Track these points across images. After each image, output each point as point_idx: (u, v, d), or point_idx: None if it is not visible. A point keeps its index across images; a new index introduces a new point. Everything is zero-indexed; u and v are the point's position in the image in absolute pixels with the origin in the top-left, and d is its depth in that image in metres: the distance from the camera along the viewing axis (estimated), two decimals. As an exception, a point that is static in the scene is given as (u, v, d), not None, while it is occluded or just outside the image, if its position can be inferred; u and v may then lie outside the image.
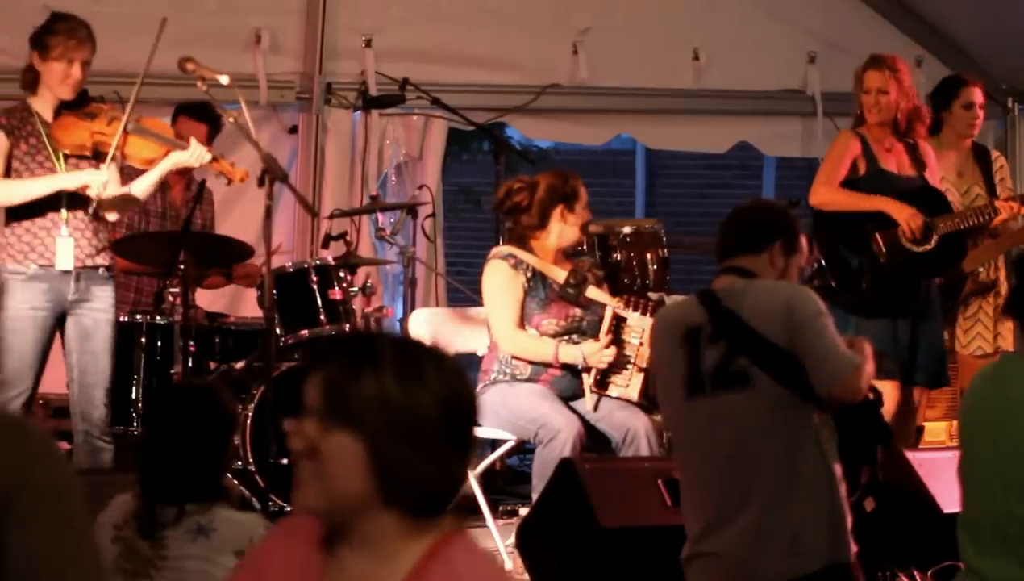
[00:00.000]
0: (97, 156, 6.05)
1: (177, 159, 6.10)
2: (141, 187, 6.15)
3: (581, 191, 6.38)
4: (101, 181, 5.96)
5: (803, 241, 4.46)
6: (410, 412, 2.22)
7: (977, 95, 7.28)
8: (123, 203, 6.17)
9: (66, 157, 6.04)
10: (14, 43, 7.30)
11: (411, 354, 2.28)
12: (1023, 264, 3.65)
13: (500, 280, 6.32)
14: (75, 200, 6.04)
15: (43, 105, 6.04)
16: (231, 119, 6.14)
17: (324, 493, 2.22)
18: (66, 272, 5.99)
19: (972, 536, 3.48)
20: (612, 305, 6.28)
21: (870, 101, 6.68)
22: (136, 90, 6.00)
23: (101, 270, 6.10)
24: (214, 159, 6.17)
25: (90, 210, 6.07)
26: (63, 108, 6.02)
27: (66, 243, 5.99)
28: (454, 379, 2.29)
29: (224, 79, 6.06)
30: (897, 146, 6.75)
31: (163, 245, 6.58)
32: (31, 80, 6.06)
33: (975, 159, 7.35)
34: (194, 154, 6.09)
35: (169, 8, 7.51)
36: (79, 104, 6.05)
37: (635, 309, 6.25)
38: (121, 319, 6.60)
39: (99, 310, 6.07)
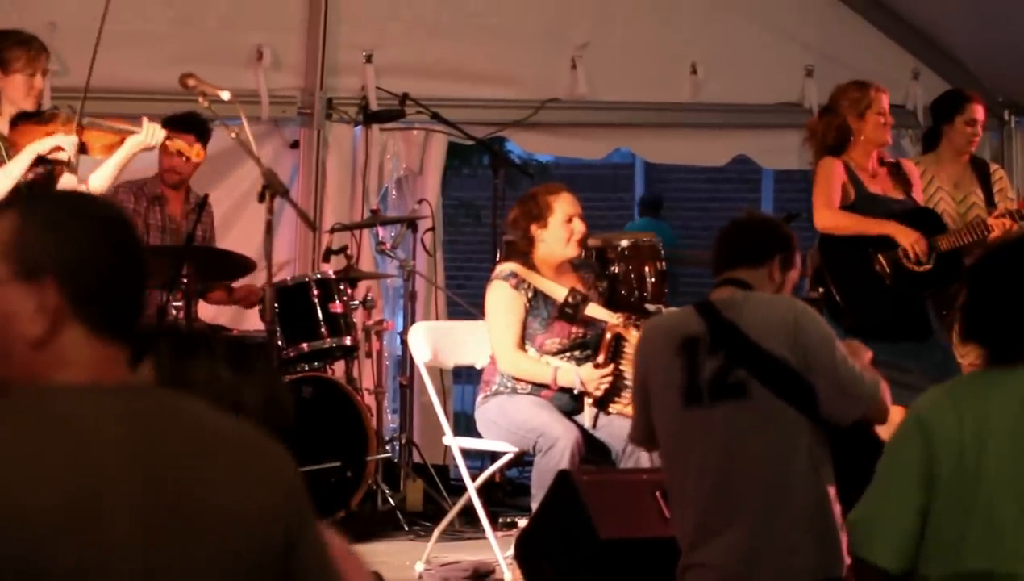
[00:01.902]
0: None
1: (134, 142, 6.17)
2: (100, 177, 6.21)
3: (554, 204, 6.39)
4: (72, 141, 6.03)
5: (798, 257, 4.51)
6: (235, 396, 2.34)
7: (980, 112, 7.32)
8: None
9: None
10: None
11: (243, 349, 2.43)
12: (975, 277, 3.34)
13: (501, 301, 6.36)
14: None
15: (1, 121, 6.10)
16: (233, 135, 6.19)
17: None
18: None
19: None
20: (612, 321, 6.32)
21: (886, 121, 6.74)
22: (83, 100, 6.06)
23: None
24: (168, 137, 6.25)
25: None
26: (19, 119, 6.09)
27: None
28: (279, 382, 2.47)
29: (225, 95, 6.12)
30: (880, 171, 6.81)
31: (166, 259, 6.62)
32: None
33: (973, 171, 7.39)
34: (148, 133, 6.15)
35: (171, 24, 7.59)
36: (34, 113, 6.13)
37: (636, 328, 6.29)
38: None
39: None
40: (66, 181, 6.15)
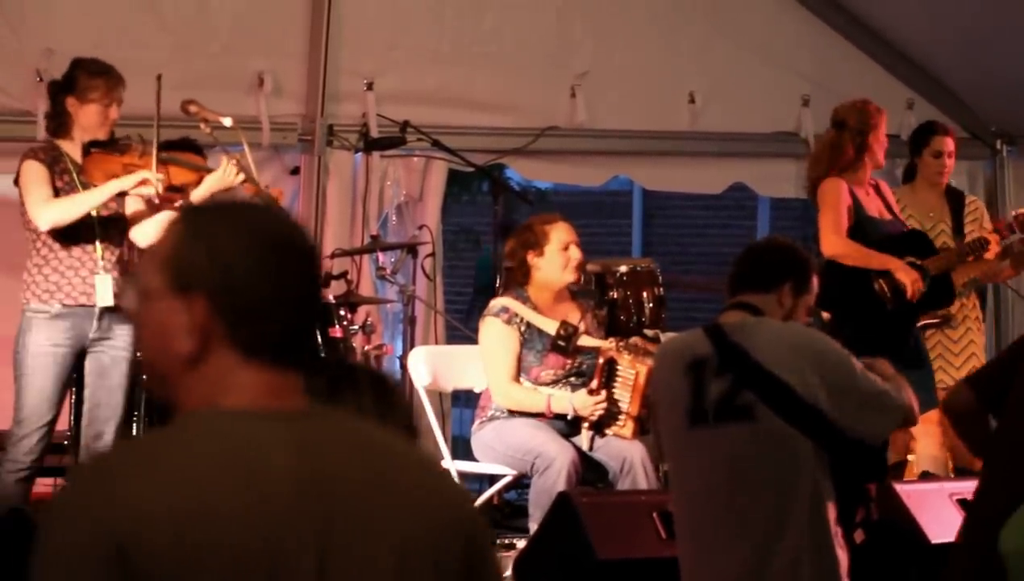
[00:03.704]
0: None
1: (213, 181, 6.19)
2: (197, 195, 6.23)
3: (551, 233, 6.50)
4: (159, 178, 6.04)
5: (814, 281, 4.52)
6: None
7: (947, 144, 7.44)
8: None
9: None
10: (15, 84, 7.41)
11: (384, 381, 2.44)
12: None
13: (494, 336, 6.44)
14: (109, 238, 6.13)
15: (72, 147, 6.13)
16: (234, 161, 6.24)
17: None
18: (90, 310, 6.07)
19: None
20: (604, 347, 6.38)
21: (886, 145, 6.89)
22: (156, 129, 6.11)
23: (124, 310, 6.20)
24: (246, 179, 6.28)
25: (124, 244, 6.18)
26: (92, 146, 6.11)
27: (105, 280, 6.08)
28: (412, 412, 2.47)
29: (227, 121, 6.17)
30: (871, 191, 6.93)
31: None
32: (63, 124, 6.14)
33: (947, 202, 7.52)
34: (228, 173, 6.18)
35: (172, 51, 7.63)
36: (108, 142, 6.15)
37: (628, 351, 6.36)
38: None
39: (119, 348, 6.16)
40: (156, 218, 6.17)
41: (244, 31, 7.85)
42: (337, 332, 6.99)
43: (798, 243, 4.67)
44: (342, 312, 7.07)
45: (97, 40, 7.30)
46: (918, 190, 7.46)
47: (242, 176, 6.22)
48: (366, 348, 7.35)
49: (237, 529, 1.75)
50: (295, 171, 8.05)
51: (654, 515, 5.38)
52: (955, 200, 7.55)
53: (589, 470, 6.33)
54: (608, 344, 6.41)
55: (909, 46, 8.98)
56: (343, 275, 7.30)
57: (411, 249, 7.61)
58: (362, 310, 7.41)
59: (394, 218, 8.28)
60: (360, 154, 8.07)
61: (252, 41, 7.86)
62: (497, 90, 8.31)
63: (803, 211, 14.01)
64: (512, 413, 6.41)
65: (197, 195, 6.18)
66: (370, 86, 8.02)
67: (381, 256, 7.60)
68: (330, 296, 7.17)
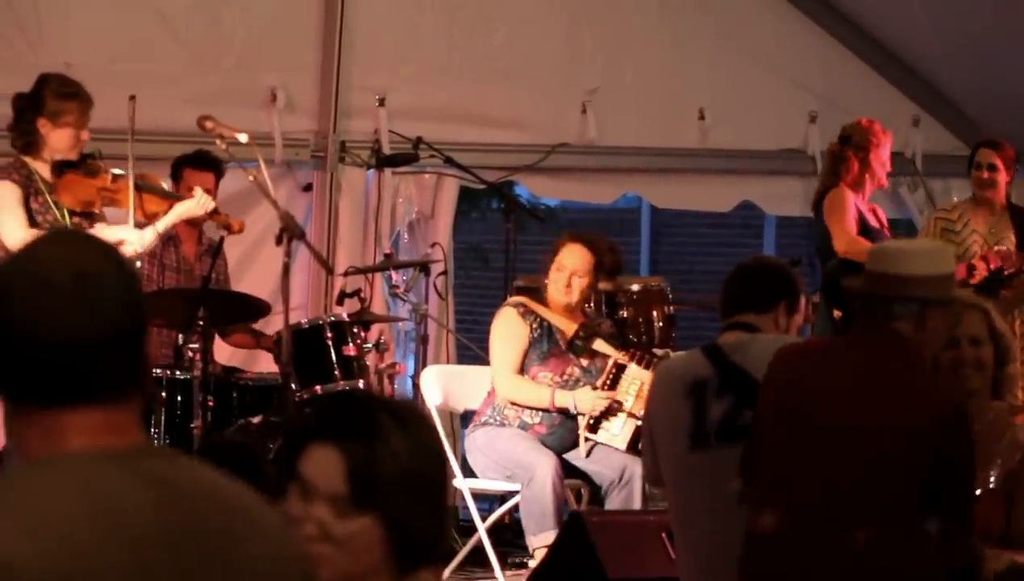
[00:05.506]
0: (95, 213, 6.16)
1: (183, 209, 6.21)
2: (142, 242, 6.23)
3: (560, 250, 6.63)
4: (138, 238, 6.08)
5: (803, 301, 4.58)
6: (420, 478, 2.28)
7: (985, 155, 7.58)
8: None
9: (71, 214, 6.13)
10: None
11: (403, 417, 2.31)
12: None
13: (506, 326, 6.58)
14: None
15: (41, 166, 6.09)
16: (250, 177, 6.26)
17: (340, 573, 2.24)
18: None
19: None
20: (615, 356, 6.46)
21: (884, 168, 7.20)
22: (130, 147, 6.12)
23: None
24: (216, 210, 6.32)
25: None
26: (64, 167, 6.09)
27: None
28: (432, 430, 2.36)
29: (243, 137, 6.19)
30: (876, 208, 7.18)
31: (182, 301, 6.69)
32: (32, 142, 6.08)
33: (1011, 218, 7.61)
34: (199, 203, 6.21)
35: (186, 66, 7.66)
36: (78, 162, 6.13)
37: (637, 362, 6.43)
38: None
39: None
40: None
41: (257, 46, 7.87)
42: (351, 350, 7.01)
43: (787, 263, 4.73)
44: (355, 330, 7.09)
45: (113, 54, 7.34)
46: (978, 204, 7.59)
47: (213, 205, 6.25)
48: (379, 366, 7.37)
49: (108, 574, 1.72)
50: (308, 188, 8.07)
51: (663, 535, 5.43)
52: (1019, 217, 7.63)
53: (579, 479, 6.46)
54: (620, 355, 6.49)
55: (917, 62, 9.03)
56: (356, 293, 7.32)
57: (423, 267, 7.63)
58: (375, 328, 7.43)
59: (406, 236, 8.28)
60: (372, 171, 8.07)
61: (265, 56, 7.88)
62: (508, 106, 8.34)
63: (808, 230, 14.03)
64: (503, 423, 6.49)
65: (164, 223, 6.19)
66: (382, 102, 8.03)
67: (394, 274, 7.62)
68: (344, 314, 7.20)
